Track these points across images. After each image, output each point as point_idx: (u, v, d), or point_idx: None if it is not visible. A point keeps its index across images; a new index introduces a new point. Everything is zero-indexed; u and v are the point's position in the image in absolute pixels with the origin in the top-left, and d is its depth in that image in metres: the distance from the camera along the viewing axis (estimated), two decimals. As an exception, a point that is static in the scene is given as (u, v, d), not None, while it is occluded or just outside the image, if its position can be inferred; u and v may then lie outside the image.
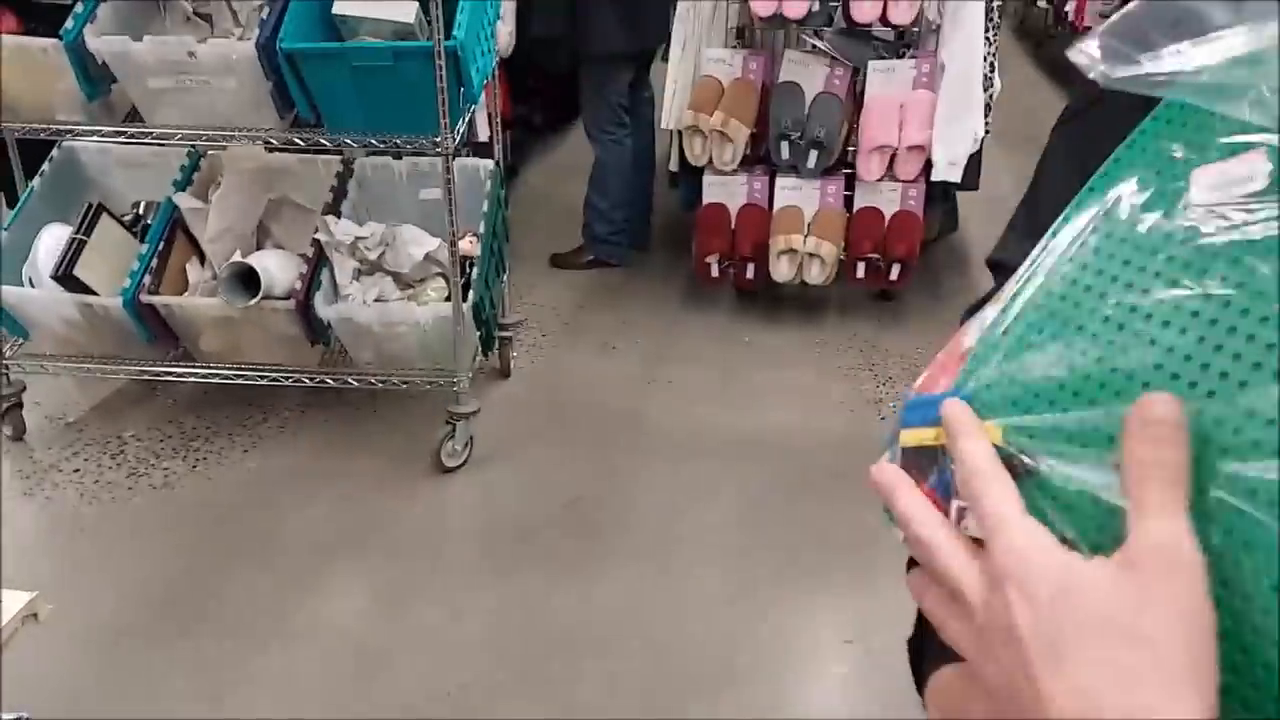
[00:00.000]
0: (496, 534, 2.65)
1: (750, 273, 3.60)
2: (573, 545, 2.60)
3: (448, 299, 2.76)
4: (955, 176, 3.38)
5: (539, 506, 2.73)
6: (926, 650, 0.48)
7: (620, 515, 2.73)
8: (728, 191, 3.53)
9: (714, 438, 3.04)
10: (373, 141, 2.61)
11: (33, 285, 2.73)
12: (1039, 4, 7.62)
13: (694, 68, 3.58)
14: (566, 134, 5.10)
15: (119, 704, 2.10)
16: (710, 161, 3.47)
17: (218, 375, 2.85)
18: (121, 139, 2.70)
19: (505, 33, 3.47)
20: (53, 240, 2.74)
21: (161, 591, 2.41)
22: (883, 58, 3.45)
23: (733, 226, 3.54)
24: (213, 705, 2.11)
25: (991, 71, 3.39)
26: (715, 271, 3.62)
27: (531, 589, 2.45)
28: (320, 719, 2.09)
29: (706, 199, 3.56)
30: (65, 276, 2.67)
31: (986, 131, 3.44)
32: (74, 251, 2.69)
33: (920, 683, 0.46)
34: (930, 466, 0.41)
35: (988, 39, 3.33)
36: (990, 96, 3.40)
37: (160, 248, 2.76)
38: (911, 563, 0.42)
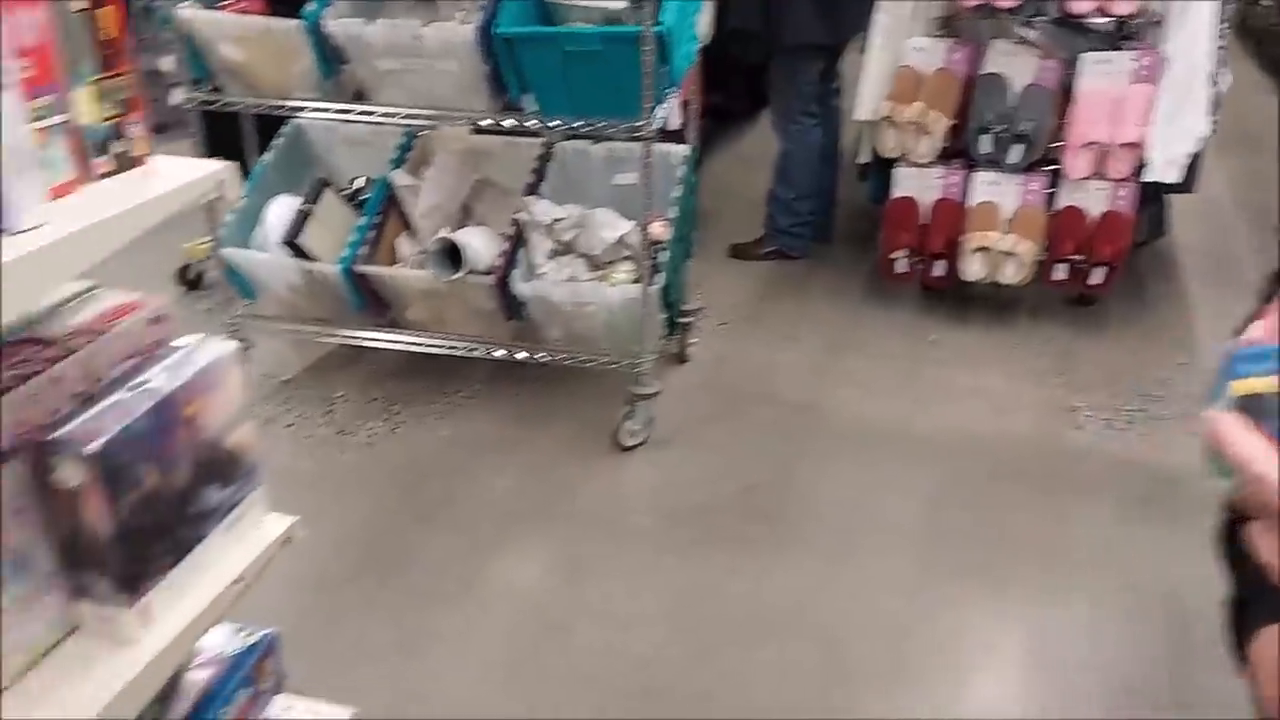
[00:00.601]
0: (673, 514, 2.69)
1: (939, 270, 3.50)
2: (748, 531, 2.61)
3: (636, 281, 2.82)
4: (1173, 176, 3.19)
5: (715, 490, 2.76)
6: (1251, 611, 0.48)
7: (796, 504, 2.72)
8: (921, 185, 3.45)
9: (895, 433, 2.99)
10: (577, 125, 2.69)
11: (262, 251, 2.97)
12: (1262, 2, 7.09)
13: (893, 58, 3.51)
14: (752, 125, 5.10)
15: (322, 645, 2.25)
16: (903, 154, 3.40)
17: (418, 344, 3.01)
18: (349, 117, 2.89)
19: (703, 23, 3.50)
20: (281, 210, 2.96)
21: (364, 545, 2.57)
22: (1097, 49, 3.29)
23: (923, 221, 3.46)
24: (403, 655, 2.24)
25: (1220, 67, 3.18)
26: (903, 267, 3.54)
27: (707, 571, 2.48)
28: (500, 678, 2.19)
29: (897, 192, 3.49)
30: (291, 243, 2.88)
31: (1213, 130, 3.23)
32: (301, 221, 2.89)
33: (1240, 643, 0.47)
34: (1261, 415, 0.42)
35: (1221, 32, 3.13)
36: (1218, 94, 3.19)
37: (376, 221, 2.93)
38: (1229, 528, 0.43)
